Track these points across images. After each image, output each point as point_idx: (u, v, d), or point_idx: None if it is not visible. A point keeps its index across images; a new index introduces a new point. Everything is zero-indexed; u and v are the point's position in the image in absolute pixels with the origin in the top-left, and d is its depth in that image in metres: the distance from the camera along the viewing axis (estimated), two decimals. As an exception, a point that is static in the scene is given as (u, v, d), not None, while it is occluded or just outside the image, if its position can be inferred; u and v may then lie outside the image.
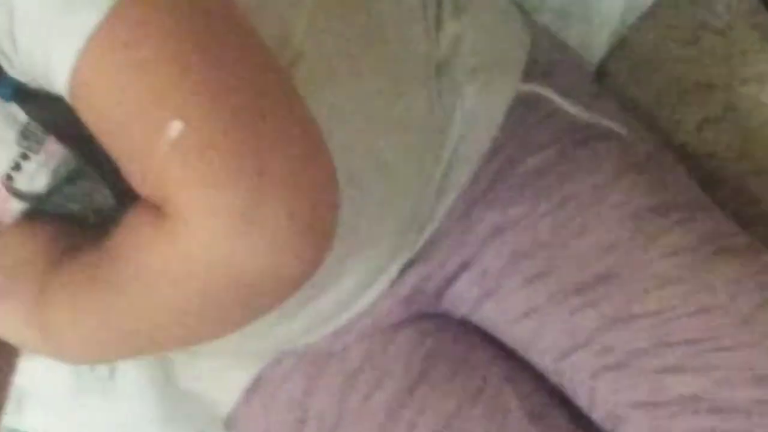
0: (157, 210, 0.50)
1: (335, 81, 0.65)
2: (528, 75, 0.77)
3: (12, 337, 0.65)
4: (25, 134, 0.59)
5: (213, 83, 0.49)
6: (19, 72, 0.54)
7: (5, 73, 0.55)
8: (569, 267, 0.72)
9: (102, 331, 0.58)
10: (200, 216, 0.48)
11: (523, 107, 0.76)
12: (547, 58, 0.80)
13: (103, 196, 0.62)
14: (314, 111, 0.52)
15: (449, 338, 0.77)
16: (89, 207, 0.64)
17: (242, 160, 0.48)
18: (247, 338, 0.62)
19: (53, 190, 0.62)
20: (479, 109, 0.73)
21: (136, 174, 0.52)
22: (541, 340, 0.74)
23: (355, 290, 0.72)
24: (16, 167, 0.60)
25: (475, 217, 0.74)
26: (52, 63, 0.50)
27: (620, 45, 0.90)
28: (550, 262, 0.73)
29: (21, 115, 0.58)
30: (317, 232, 0.49)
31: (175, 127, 0.48)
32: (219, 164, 0.47)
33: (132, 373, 0.95)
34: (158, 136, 0.48)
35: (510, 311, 0.75)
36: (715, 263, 0.71)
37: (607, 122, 0.78)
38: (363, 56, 0.67)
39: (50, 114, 0.58)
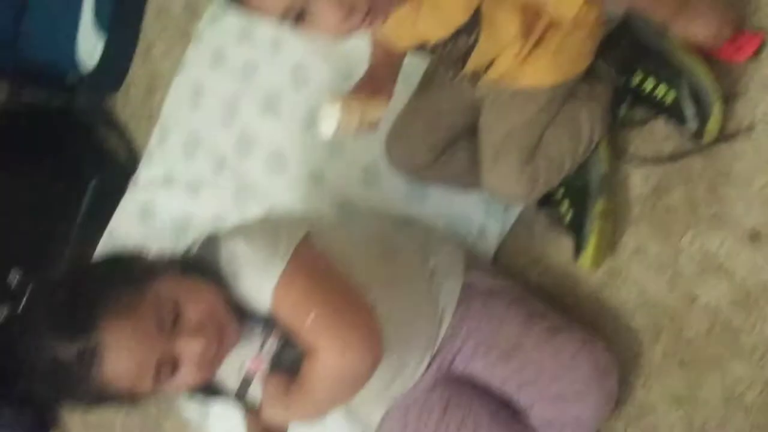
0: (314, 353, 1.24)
1: (393, 312, 1.38)
2: (466, 271, 1.60)
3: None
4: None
5: (330, 305, 1.26)
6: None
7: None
8: (498, 348, 1.51)
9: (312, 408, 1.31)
10: (332, 352, 1.23)
11: (466, 286, 1.57)
12: (471, 261, 1.64)
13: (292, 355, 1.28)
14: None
15: (456, 387, 1.53)
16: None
17: (345, 333, 1.24)
18: (369, 401, 1.54)
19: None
20: (449, 291, 1.55)
21: (306, 340, 1.25)
22: (495, 379, 1.52)
23: (410, 375, 1.51)
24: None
25: (457, 331, 1.53)
26: (262, 297, 1.25)
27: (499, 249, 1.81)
28: (489, 347, 1.52)
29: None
30: (375, 354, 1.25)
31: (311, 317, 1.22)
32: (335, 333, 1.24)
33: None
34: (305, 321, 1.23)
35: (481, 369, 1.53)
36: (551, 338, 1.51)
37: (501, 283, 1.63)
38: (405, 292, 1.50)
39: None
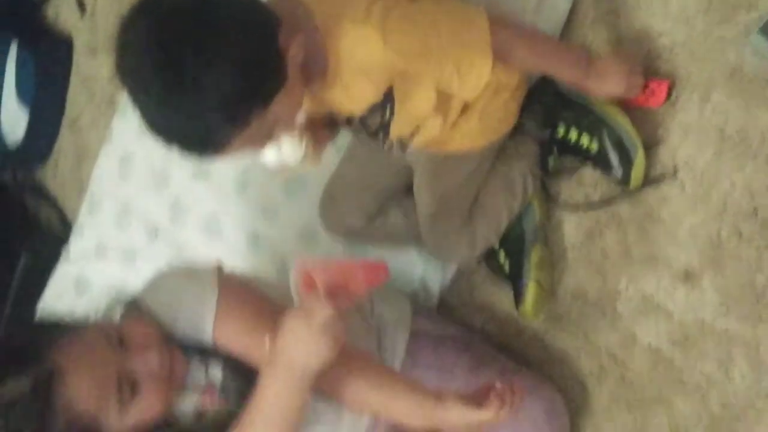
0: None
1: None
2: (413, 318, 1.61)
3: None
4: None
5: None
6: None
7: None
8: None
9: None
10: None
11: (414, 333, 1.58)
12: (417, 309, 1.66)
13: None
14: None
15: None
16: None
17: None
18: None
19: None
20: (397, 340, 1.55)
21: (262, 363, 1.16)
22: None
23: (355, 423, 1.35)
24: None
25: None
26: (202, 330, 1.23)
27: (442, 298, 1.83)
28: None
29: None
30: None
31: (267, 342, 1.12)
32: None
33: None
34: (262, 347, 1.13)
35: None
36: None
37: (448, 330, 1.68)
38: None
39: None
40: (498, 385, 1.15)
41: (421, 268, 1.80)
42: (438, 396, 1.18)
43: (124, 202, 2.23)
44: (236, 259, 1.98)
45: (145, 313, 1.25)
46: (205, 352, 1.24)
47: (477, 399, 1.14)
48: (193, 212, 2.08)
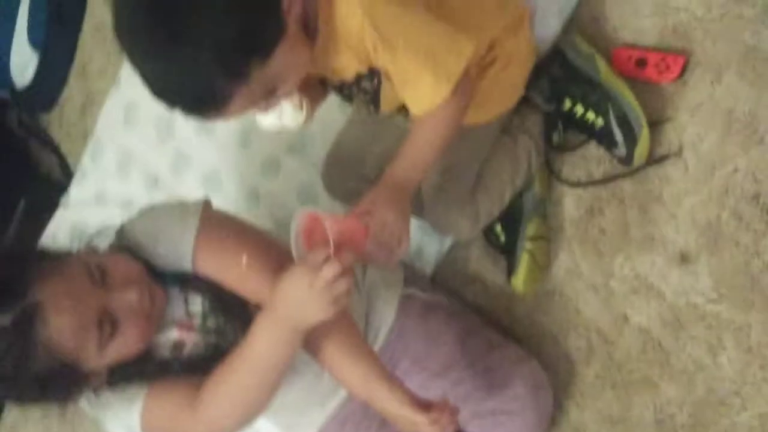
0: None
1: None
2: (405, 285, 1.59)
3: None
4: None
5: (256, 247, 1.25)
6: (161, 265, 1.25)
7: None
8: (433, 366, 1.51)
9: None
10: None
11: (404, 299, 1.57)
12: (409, 276, 1.64)
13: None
14: None
15: None
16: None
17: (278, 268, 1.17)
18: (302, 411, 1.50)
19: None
20: (387, 302, 1.54)
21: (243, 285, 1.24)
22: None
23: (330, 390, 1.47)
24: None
25: (393, 348, 1.53)
26: (182, 255, 1.23)
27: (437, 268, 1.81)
28: (425, 364, 1.51)
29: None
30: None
31: (245, 260, 1.19)
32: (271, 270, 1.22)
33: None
34: (239, 266, 1.19)
35: (417, 386, 1.35)
36: (486, 354, 1.52)
37: (438, 298, 1.63)
38: None
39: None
40: (445, 402, 1.18)
41: (418, 237, 1.79)
42: (392, 381, 1.19)
43: (127, 151, 2.22)
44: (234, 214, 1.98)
45: (129, 240, 1.25)
46: (186, 283, 1.25)
47: (421, 403, 1.17)
48: (194, 165, 2.07)
